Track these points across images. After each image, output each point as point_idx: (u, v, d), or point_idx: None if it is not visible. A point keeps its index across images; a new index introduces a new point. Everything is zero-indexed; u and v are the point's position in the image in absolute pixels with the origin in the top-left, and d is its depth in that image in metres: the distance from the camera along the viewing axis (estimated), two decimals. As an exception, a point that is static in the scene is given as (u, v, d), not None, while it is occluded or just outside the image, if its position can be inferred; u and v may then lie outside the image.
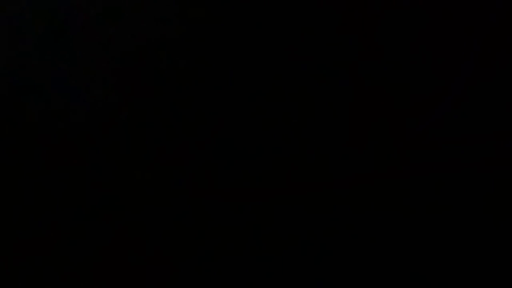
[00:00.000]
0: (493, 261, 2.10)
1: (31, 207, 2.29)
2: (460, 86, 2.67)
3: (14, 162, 2.44)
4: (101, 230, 2.23)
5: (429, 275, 2.08)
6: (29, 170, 2.43)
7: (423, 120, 2.61)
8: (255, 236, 2.22)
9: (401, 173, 2.42)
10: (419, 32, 2.89)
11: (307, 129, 2.64)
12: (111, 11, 2.76)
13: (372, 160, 2.47)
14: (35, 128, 2.45)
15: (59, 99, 2.53)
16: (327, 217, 2.28)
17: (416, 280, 2.07)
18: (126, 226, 2.23)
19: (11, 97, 2.46)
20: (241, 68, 2.99)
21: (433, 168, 2.42)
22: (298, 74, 2.94)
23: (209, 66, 2.90)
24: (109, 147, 2.55)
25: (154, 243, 2.17)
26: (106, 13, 2.73)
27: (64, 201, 2.32)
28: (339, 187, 2.38)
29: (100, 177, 2.42)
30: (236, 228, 2.24)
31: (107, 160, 2.50)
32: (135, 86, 2.68)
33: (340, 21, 3.07)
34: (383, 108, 2.68)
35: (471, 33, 2.68)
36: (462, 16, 2.76)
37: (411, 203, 2.31)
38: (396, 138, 2.55)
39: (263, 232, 2.23)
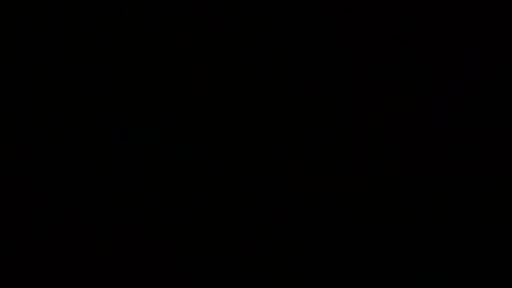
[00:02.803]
0: (493, 261, 2.10)
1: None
2: (460, 86, 2.67)
3: None
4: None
5: (429, 275, 2.08)
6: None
7: (423, 120, 2.61)
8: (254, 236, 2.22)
9: (401, 173, 2.42)
10: (419, 32, 2.89)
11: (307, 129, 2.64)
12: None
13: (372, 161, 2.47)
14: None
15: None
16: (326, 217, 2.28)
17: (416, 280, 2.07)
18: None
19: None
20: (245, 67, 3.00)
21: (433, 168, 2.42)
22: (298, 74, 2.94)
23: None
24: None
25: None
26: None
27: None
28: (339, 187, 2.38)
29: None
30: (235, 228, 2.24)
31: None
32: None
33: (340, 20, 3.07)
34: (383, 108, 2.67)
35: (471, 33, 2.68)
36: (462, 16, 2.76)
37: (411, 203, 2.31)
38: (396, 138, 2.55)
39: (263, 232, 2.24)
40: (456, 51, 2.72)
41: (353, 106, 2.71)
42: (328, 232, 2.22)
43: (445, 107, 2.63)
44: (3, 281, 2.02)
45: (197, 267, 2.10)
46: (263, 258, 2.14)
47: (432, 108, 2.63)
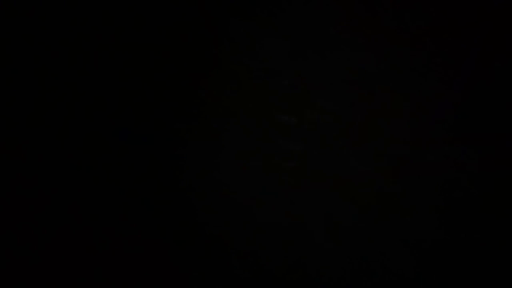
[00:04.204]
0: (493, 261, 2.10)
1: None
2: (460, 86, 2.67)
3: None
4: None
5: (426, 274, 2.08)
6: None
7: (423, 120, 2.61)
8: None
9: (400, 171, 2.42)
10: (419, 32, 2.90)
11: (306, 129, 2.65)
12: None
13: (372, 159, 2.48)
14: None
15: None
16: (326, 216, 2.28)
17: (414, 279, 2.08)
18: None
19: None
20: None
21: (434, 167, 2.42)
22: (298, 75, 2.94)
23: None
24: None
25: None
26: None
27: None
28: (339, 185, 2.38)
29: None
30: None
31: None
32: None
33: (341, 21, 3.08)
34: (383, 108, 2.68)
35: (471, 33, 2.68)
36: (462, 16, 2.76)
37: (410, 201, 2.31)
38: (396, 137, 2.55)
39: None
40: (456, 51, 2.72)
41: (353, 105, 2.71)
42: (329, 231, 2.22)
43: (445, 107, 2.63)
44: (3, 281, 2.02)
45: (197, 267, 2.10)
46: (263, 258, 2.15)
47: (433, 108, 2.63)
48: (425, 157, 2.43)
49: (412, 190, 2.32)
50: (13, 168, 2.44)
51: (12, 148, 2.54)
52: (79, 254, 2.13)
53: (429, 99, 2.68)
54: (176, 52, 3.09)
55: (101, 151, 2.56)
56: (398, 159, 2.43)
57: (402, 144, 2.50)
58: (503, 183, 2.35)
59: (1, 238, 2.17)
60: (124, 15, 3.20)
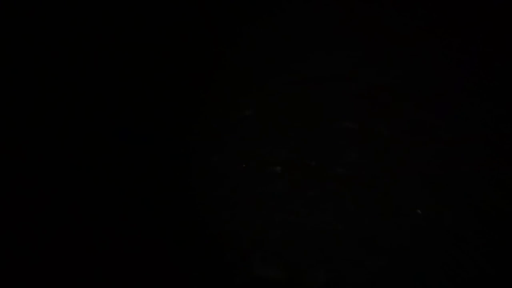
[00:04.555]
0: (493, 261, 2.10)
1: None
2: (460, 86, 2.67)
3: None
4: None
5: (427, 274, 2.08)
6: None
7: (424, 119, 2.61)
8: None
9: (399, 171, 2.42)
10: (419, 32, 2.89)
11: (306, 129, 2.65)
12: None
13: (370, 158, 2.47)
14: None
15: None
16: (324, 213, 2.28)
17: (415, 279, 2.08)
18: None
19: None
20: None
21: (433, 167, 2.42)
22: (298, 77, 2.94)
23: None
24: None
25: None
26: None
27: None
28: (339, 185, 2.38)
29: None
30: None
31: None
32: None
33: (344, 22, 3.08)
34: (382, 107, 2.68)
35: (471, 33, 2.68)
36: (462, 16, 2.76)
37: (408, 201, 2.31)
38: (396, 137, 2.55)
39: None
40: (457, 51, 2.72)
41: (354, 105, 2.71)
42: (328, 228, 2.22)
43: (445, 107, 2.63)
44: (3, 281, 2.02)
45: (197, 267, 2.10)
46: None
47: (433, 108, 2.63)
48: (477, 181, 2.37)
49: (462, 215, 2.28)
50: (13, 168, 2.44)
51: (12, 148, 2.54)
52: (79, 254, 2.13)
53: (429, 99, 2.67)
54: (176, 52, 3.09)
55: (101, 151, 2.56)
56: (452, 182, 2.38)
57: (457, 164, 2.44)
58: (503, 183, 2.34)
59: (1, 238, 2.17)
60: (124, 15, 3.20)
